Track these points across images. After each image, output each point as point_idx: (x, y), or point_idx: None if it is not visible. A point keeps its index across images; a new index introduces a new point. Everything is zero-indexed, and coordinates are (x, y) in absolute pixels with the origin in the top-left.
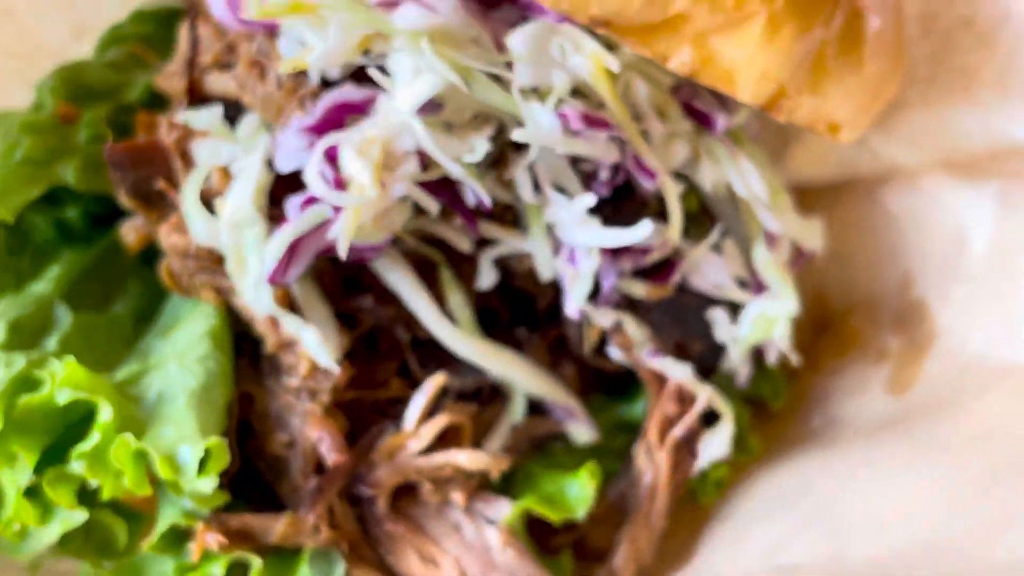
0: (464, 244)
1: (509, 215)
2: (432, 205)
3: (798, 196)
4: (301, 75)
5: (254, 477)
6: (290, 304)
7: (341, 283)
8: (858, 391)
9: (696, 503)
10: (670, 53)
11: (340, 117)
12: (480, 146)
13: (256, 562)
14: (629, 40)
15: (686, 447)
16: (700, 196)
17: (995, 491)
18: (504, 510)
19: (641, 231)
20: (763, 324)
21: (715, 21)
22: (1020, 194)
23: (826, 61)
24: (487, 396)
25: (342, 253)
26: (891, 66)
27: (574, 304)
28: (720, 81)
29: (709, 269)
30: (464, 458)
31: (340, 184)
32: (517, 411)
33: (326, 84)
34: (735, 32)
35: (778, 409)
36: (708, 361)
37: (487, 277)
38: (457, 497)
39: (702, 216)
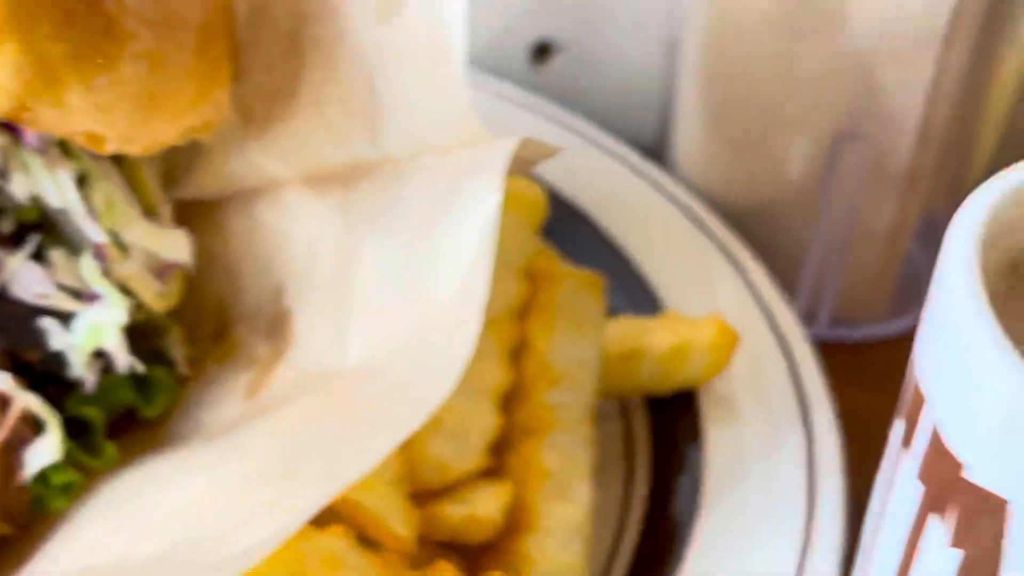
0: None
1: None
2: None
3: (191, 208)
4: None
5: None
6: None
7: None
8: (224, 397)
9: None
10: None
11: None
12: None
13: None
14: None
15: (11, 454)
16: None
17: (253, 491)
18: None
19: None
20: (94, 333)
21: None
22: (359, 205)
23: (61, 75)
24: None
25: None
26: (175, 83)
27: None
28: None
29: (29, 279)
30: None
31: None
32: None
33: None
34: None
35: (153, 415)
36: (52, 368)
37: None
38: None
39: (48, 226)
